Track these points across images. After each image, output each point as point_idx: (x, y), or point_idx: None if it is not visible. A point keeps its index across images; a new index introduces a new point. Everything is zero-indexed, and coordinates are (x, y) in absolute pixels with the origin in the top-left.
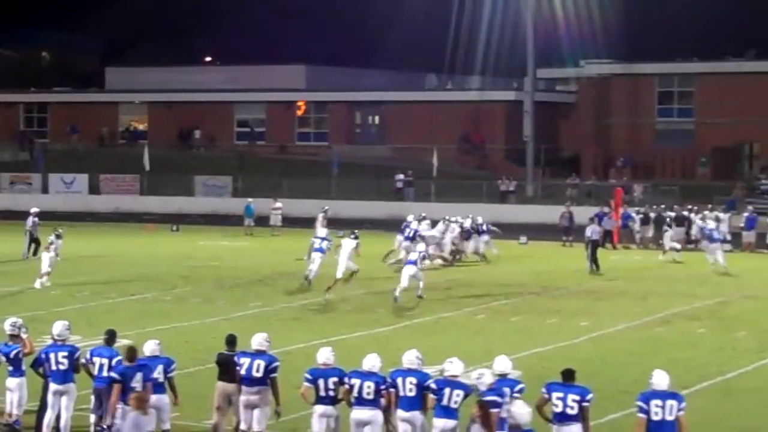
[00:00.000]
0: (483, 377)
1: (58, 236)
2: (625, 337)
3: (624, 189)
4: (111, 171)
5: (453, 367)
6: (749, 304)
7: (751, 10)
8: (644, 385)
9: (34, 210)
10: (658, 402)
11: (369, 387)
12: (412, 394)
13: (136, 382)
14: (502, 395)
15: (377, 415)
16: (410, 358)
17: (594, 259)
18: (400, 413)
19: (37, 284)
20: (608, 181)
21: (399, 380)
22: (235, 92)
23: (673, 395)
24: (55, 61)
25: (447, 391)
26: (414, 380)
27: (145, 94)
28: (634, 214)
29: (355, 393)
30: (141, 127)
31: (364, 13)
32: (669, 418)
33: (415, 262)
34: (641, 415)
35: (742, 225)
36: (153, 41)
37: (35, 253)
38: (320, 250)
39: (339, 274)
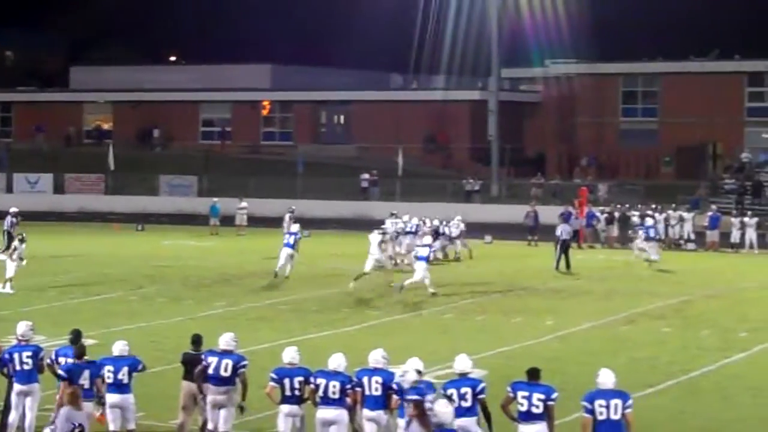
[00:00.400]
0: (406, 375)
1: (21, 240)
2: (590, 336)
3: (589, 188)
4: (76, 170)
5: (412, 368)
6: (713, 303)
7: (714, 10)
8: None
9: (13, 210)
10: (602, 402)
11: (334, 386)
12: (378, 393)
13: (84, 380)
14: (422, 394)
15: (343, 414)
16: (376, 358)
17: (566, 259)
18: (366, 413)
19: (5, 288)
20: (573, 180)
21: (365, 379)
22: (200, 92)
23: (617, 394)
24: (19, 61)
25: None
26: (379, 379)
27: (110, 93)
28: (598, 214)
29: (320, 392)
30: (106, 126)
31: (330, 13)
32: (614, 417)
33: (426, 258)
34: (586, 415)
35: (705, 224)
36: (118, 40)
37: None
38: (288, 245)
39: (367, 268)
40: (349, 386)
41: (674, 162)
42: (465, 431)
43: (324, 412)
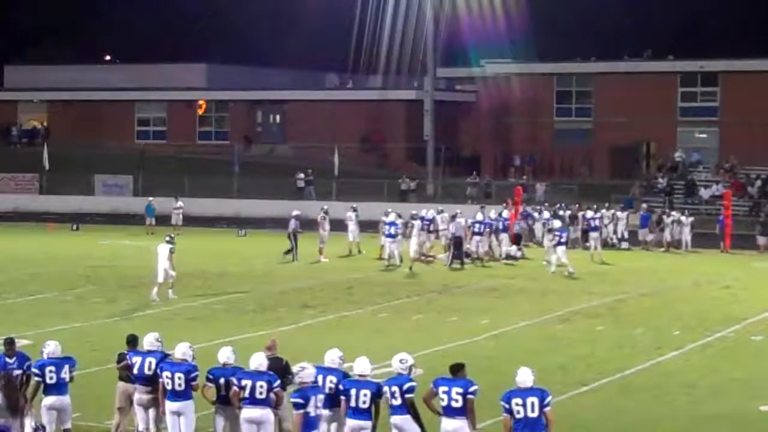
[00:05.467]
0: (305, 370)
1: (169, 241)
2: (525, 334)
3: (524, 188)
4: (9, 170)
5: (359, 366)
6: (646, 302)
7: (647, 11)
8: (545, 381)
9: (295, 213)
10: (518, 400)
11: (261, 386)
12: (330, 392)
13: None
14: (306, 398)
15: (269, 414)
16: (332, 358)
17: (458, 255)
18: (325, 412)
19: (168, 294)
20: (507, 180)
21: (319, 378)
22: (135, 91)
23: (534, 392)
24: None
25: (353, 391)
26: (334, 379)
27: (45, 92)
28: (536, 214)
29: (247, 393)
30: (40, 126)
31: (266, 12)
32: (532, 415)
33: (566, 243)
34: (505, 415)
35: (637, 223)
36: (53, 39)
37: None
38: (390, 236)
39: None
40: (275, 385)
41: (591, 163)
42: (399, 429)
43: (250, 412)
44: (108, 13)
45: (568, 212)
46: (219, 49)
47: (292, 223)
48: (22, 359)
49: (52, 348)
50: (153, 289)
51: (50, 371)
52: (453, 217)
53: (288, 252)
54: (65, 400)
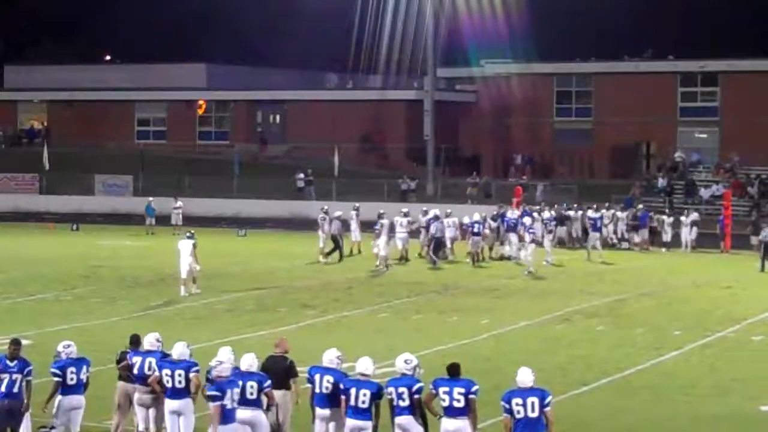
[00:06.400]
0: (221, 365)
1: (190, 237)
2: (525, 334)
3: (524, 188)
4: (10, 170)
5: (361, 365)
6: (646, 302)
7: (648, 11)
8: (545, 381)
9: (337, 213)
10: (518, 400)
11: (252, 387)
12: (327, 392)
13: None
14: (222, 390)
15: (260, 415)
16: (330, 357)
17: (436, 255)
18: (318, 411)
19: (193, 289)
20: (507, 180)
21: (316, 377)
22: (135, 91)
23: (534, 392)
24: None
25: (353, 390)
26: (331, 379)
27: (45, 92)
28: (536, 214)
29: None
30: (40, 126)
31: (266, 12)
32: (532, 415)
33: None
34: (505, 415)
35: (636, 223)
36: (52, 40)
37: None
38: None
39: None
40: (265, 386)
41: (570, 163)
42: (404, 430)
43: (242, 413)
44: (108, 13)
45: (569, 212)
46: (219, 49)
47: (336, 224)
48: (22, 364)
49: (71, 348)
50: (181, 287)
51: (71, 372)
52: (436, 218)
53: (330, 252)
54: (82, 399)
